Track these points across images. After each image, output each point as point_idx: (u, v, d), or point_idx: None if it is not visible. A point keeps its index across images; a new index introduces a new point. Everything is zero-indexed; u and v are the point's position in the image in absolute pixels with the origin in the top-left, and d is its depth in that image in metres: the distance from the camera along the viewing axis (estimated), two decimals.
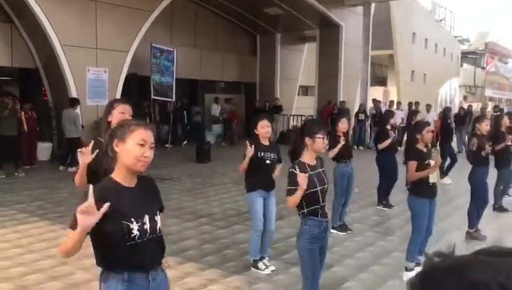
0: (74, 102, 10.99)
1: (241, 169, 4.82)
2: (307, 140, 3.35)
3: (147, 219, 2.10)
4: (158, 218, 2.19)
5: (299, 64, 21.50)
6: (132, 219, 2.05)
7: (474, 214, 6.34)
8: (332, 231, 6.29)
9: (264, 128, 4.77)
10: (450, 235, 6.42)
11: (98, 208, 1.96)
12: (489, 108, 24.40)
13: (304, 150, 3.38)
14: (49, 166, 11.44)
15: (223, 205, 7.89)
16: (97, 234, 2.03)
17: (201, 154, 12.67)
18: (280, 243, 5.73)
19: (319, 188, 3.32)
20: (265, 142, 4.82)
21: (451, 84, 34.59)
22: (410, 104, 17.65)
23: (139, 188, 2.17)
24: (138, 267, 2.10)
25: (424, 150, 4.83)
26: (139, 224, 2.07)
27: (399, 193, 7.72)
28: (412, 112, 12.08)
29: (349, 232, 6.40)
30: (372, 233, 6.50)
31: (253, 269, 4.88)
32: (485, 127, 6.29)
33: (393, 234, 6.47)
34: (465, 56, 40.94)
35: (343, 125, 6.53)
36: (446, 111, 12.46)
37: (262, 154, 4.75)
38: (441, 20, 33.20)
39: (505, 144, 7.38)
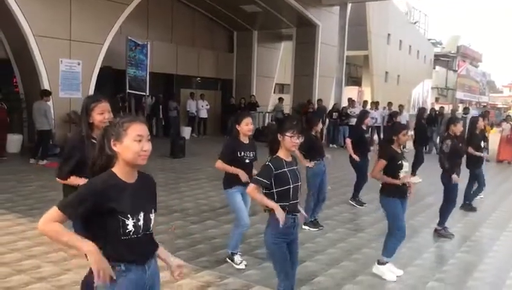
0: (45, 94, 10.78)
1: (220, 168, 4.74)
2: (279, 136, 3.40)
3: (141, 215, 2.16)
4: (152, 216, 2.25)
5: (275, 62, 21.59)
6: (128, 215, 2.10)
7: (447, 213, 6.44)
8: (304, 227, 6.37)
9: (248, 126, 4.71)
10: (419, 233, 6.58)
11: (98, 199, 2.04)
12: (460, 110, 24.99)
13: (281, 146, 3.42)
14: (19, 158, 11.21)
15: (196, 200, 7.89)
16: (93, 227, 2.10)
17: (175, 149, 12.61)
18: (252, 239, 5.77)
19: (292, 186, 3.34)
20: (245, 140, 4.76)
21: (423, 85, 35.27)
22: (389, 104, 18.06)
23: (138, 185, 2.22)
24: (134, 260, 2.16)
25: (398, 151, 4.93)
26: (134, 220, 2.12)
27: (370, 192, 7.87)
28: (393, 114, 12.10)
29: (320, 228, 6.48)
30: (343, 230, 6.61)
31: (229, 261, 4.89)
32: (459, 128, 6.41)
33: (364, 231, 6.59)
34: (438, 59, 41.80)
35: (319, 126, 6.64)
36: (421, 112, 12.67)
37: (243, 153, 4.69)
38: (415, 23, 33.80)
39: (480, 156, 7.70)
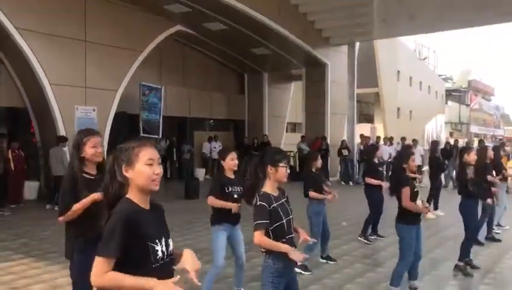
0: (61, 140, 10.97)
1: (213, 204, 4.73)
2: (269, 169, 3.19)
3: (163, 241, 2.13)
4: (171, 242, 2.21)
5: (286, 101, 21.82)
6: (156, 240, 2.08)
7: (469, 248, 6.17)
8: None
9: (233, 161, 4.71)
10: (440, 265, 6.41)
11: (133, 230, 2.00)
12: (475, 144, 24.75)
13: (266, 181, 3.21)
14: (36, 204, 11.31)
15: (210, 240, 7.80)
16: (122, 258, 1.99)
17: (189, 190, 12.63)
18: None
19: (284, 220, 3.16)
20: (231, 175, 4.75)
21: (437, 120, 35.18)
22: (403, 139, 18.07)
23: (154, 211, 2.20)
24: None
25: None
26: (162, 245, 2.10)
27: (387, 226, 7.74)
28: (407, 147, 11.91)
29: (334, 261, 6.47)
30: (360, 265, 6.47)
31: None
32: (472, 157, 6.23)
33: (382, 265, 6.45)
34: (450, 94, 41.83)
35: (318, 162, 6.54)
36: (434, 145, 12.56)
37: (230, 189, 4.65)
38: (424, 59, 34.10)
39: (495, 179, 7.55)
